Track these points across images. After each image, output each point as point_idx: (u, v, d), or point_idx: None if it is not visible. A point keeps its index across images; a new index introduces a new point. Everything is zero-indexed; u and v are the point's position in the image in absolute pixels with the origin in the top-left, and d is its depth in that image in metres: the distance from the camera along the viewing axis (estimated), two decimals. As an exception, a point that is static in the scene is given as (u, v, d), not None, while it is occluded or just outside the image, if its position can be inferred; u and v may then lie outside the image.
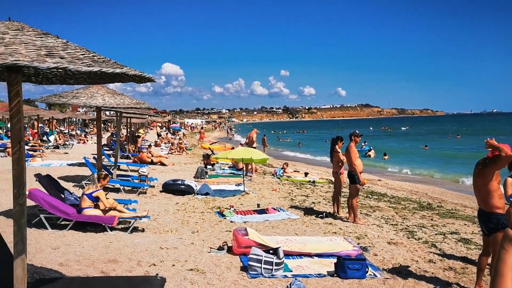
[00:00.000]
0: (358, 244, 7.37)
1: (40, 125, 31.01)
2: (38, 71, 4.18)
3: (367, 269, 5.98)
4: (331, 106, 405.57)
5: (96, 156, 14.39)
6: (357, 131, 9.64)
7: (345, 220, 9.46)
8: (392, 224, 9.30)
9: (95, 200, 7.82)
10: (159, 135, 35.55)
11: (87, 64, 3.12)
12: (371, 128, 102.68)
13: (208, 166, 18.03)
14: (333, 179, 12.70)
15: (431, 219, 10.17)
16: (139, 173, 12.98)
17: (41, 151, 20.26)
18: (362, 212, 10.33)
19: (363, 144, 36.40)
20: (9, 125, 38.52)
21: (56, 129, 35.32)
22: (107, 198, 8.44)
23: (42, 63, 2.89)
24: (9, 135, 27.53)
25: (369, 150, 33.94)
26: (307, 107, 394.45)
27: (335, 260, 6.20)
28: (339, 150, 9.92)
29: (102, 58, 3.43)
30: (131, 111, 15.13)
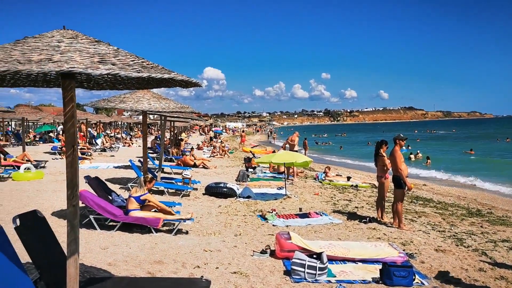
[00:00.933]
0: (403, 250, 7.20)
1: (88, 129, 32.04)
2: (90, 77, 4.33)
3: (414, 277, 5.83)
4: (374, 109, 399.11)
5: (141, 159, 14.73)
6: (401, 134, 9.44)
7: (390, 225, 9.26)
8: (439, 231, 9.03)
9: (142, 203, 8.01)
10: (211, 138, 36.03)
11: (137, 70, 3.20)
12: (415, 131, 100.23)
13: (250, 169, 18.13)
14: (376, 183, 12.47)
15: (481, 226, 9.80)
16: (182, 176, 13.20)
17: (89, 153, 20.95)
18: (407, 217, 10.09)
19: (408, 147, 35.73)
20: (59, 129, 40.08)
21: (103, 133, 36.44)
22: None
23: (95, 70, 2.99)
24: (60, 138, 28.66)
25: (411, 154, 33.20)
26: (348, 110, 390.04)
27: (380, 266, 6.09)
28: (384, 154, 9.73)
29: (151, 64, 3.52)
30: (175, 115, 15.41)
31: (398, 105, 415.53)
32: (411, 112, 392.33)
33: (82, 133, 28.86)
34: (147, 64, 3.43)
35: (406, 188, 9.11)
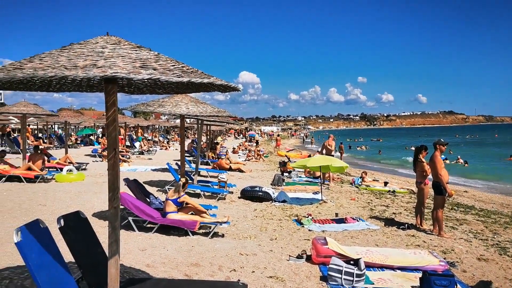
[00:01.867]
0: (444, 259, 7.00)
1: (128, 132, 32.76)
2: (131, 82, 4.43)
3: (455, 286, 5.64)
4: (411, 113, 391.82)
5: (178, 162, 14.93)
6: (442, 139, 9.21)
7: (429, 232, 9.03)
8: (481, 239, 8.73)
9: (180, 205, 8.12)
10: (257, 142, 36.23)
11: (177, 75, 3.25)
12: (456, 135, 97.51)
13: (285, 174, 18.08)
14: (415, 189, 12.18)
15: (526, 235, 9.42)
16: (218, 179, 13.30)
17: (128, 156, 21.40)
18: (447, 225, 9.81)
19: (450, 152, 34.84)
20: (98, 132, 41.17)
21: (142, 136, 37.20)
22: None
23: (137, 75, 3.05)
24: (100, 141, 29.44)
25: (446, 159, 32.34)
26: (385, 114, 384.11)
27: (419, 274, 5.93)
28: (423, 160, 9.51)
29: (191, 69, 3.57)
30: (212, 119, 15.56)
31: (437, 109, 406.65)
32: (451, 117, 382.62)
33: (121, 136, 29.52)
34: (187, 69, 3.48)
35: (447, 195, 8.87)
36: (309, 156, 23.57)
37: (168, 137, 48.46)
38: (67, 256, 4.38)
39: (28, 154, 14.84)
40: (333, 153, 16.61)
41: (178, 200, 8.07)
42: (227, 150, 24.83)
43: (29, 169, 13.24)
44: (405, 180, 20.29)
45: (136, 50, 3.53)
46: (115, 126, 3.74)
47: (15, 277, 5.20)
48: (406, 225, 9.41)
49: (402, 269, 6.47)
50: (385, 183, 16.23)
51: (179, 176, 10.32)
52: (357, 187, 15.83)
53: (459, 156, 34.21)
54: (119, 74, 3.00)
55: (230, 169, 18.75)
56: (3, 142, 27.45)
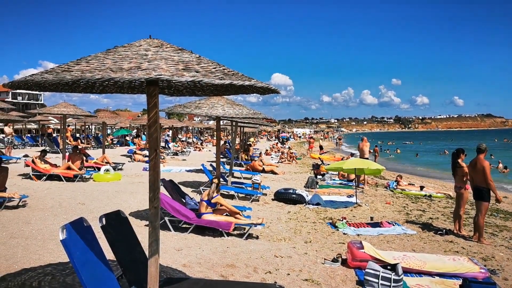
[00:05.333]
0: (485, 266, 6.80)
1: (165, 133, 33.23)
2: (171, 84, 4.50)
3: (497, 295, 5.48)
4: (447, 116, 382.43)
5: (212, 163, 15.04)
6: (484, 144, 9.02)
7: (468, 239, 8.79)
8: (523, 247, 8.44)
9: (213, 206, 8.18)
10: (284, 144, 36.32)
11: (219, 77, 3.28)
12: (495, 140, 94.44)
13: (318, 176, 17.96)
14: (452, 194, 11.87)
15: None
16: (252, 181, 13.34)
17: (162, 157, 21.74)
18: (487, 231, 9.52)
19: (491, 156, 33.91)
20: (133, 132, 41.97)
21: (176, 137, 37.71)
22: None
23: (180, 77, 3.10)
24: (135, 141, 29.99)
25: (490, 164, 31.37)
26: (420, 117, 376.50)
27: (459, 281, 5.79)
28: (463, 164, 9.28)
29: (232, 71, 3.60)
30: (246, 121, 15.62)
31: (475, 112, 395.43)
32: (489, 120, 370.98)
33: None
34: (228, 72, 3.51)
35: (495, 201, 8.65)
36: (343, 158, 23.34)
37: (202, 138, 48.98)
38: (108, 254, 4.49)
39: (67, 154, 15.28)
40: (366, 155, 16.39)
41: (211, 201, 8.13)
42: (261, 152, 24.85)
43: (69, 168, 13.64)
44: (442, 184, 19.81)
45: (178, 53, 3.58)
46: (156, 127, 3.80)
47: (57, 274, 5.36)
48: (444, 230, 9.20)
49: (441, 275, 6.32)
50: (421, 187, 15.89)
51: (213, 177, 10.40)
52: (392, 190, 15.56)
53: (500, 161, 33.17)
54: (163, 76, 3.05)
55: (264, 171, 18.76)
56: (43, 141, 28.36)
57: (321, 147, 38.59)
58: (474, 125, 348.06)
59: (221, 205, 8.23)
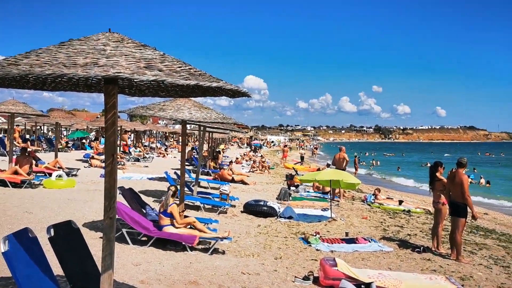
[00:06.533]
0: (462, 286, 6.96)
1: (128, 136, 32.76)
2: (133, 83, 4.46)
3: (475, 316, 5.61)
4: (429, 127, 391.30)
5: (177, 171, 14.94)
6: (465, 158, 9.27)
7: (447, 257, 8.98)
8: (503, 266, 8.67)
9: (172, 217, 8.08)
10: (256, 151, 36.35)
11: (184, 77, 3.27)
12: (478, 153, 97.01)
13: (292, 187, 18.05)
14: (432, 209, 12.12)
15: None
16: (220, 191, 13.31)
17: (122, 163, 21.44)
18: (466, 249, 9.75)
19: (474, 170, 34.80)
20: (91, 135, 41.32)
21: (138, 141, 37.29)
22: (187, 216, 8.73)
23: (142, 76, 3.07)
24: (93, 145, 29.52)
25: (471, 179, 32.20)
26: (401, 127, 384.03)
27: (436, 302, 5.89)
28: (441, 177, 9.51)
29: (198, 71, 3.59)
30: (215, 126, 15.59)
31: (457, 124, 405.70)
32: (472, 132, 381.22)
33: (124, 142, 29.52)
34: (195, 71, 3.50)
35: (471, 218, 8.86)
36: (318, 169, 23.52)
37: (166, 143, 48.59)
38: (56, 268, 4.39)
39: (14, 157, 14.88)
40: (345, 167, 16.55)
41: (167, 211, 8.03)
42: (231, 160, 24.84)
43: (16, 173, 13.27)
44: (422, 199, 20.20)
45: (140, 49, 3.55)
46: (114, 130, 3.76)
47: (-1, 289, 5.20)
48: (422, 247, 9.38)
49: (418, 296, 6.43)
50: (400, 202, 16.17)
51: (179, 186, 10.32)
52: (369, 205, 15.78)
53: (482, 176, 34.08)
54: (123, 74, 3.02)
55: (233, 180, 18.74)
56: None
57: (302, 159, 38.80)
58: (456, 138, 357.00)
59: (173, 214, 8.08)
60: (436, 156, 65.32)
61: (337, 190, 15.87)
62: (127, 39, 3.73)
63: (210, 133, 26.37)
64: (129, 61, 3.26)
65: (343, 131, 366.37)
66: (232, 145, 70.79)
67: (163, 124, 71.75)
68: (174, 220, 8.08)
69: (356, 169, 32.58)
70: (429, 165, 25.40)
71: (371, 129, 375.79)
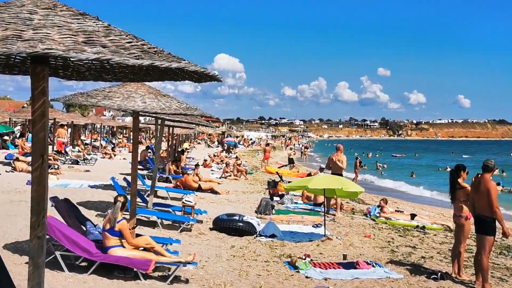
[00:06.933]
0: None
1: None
2: (68, 63, 4.40)
3: None
4: (450, 121, 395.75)
5: (127, 177, 14.86)
6: (492, 159, 9.37)
7: (470, 285, 9.12)
8: (540, 296, 8.86)
9: (119, 235, 8.00)
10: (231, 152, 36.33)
11: (136, 56, 3.24)
12: (511, 154, 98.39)
13: (275, 198, 18.11)
14: (451, 225, 12.30)
15: None
16: (183, 202, 13.27)
17: (56, 167, 21.20)
18: (494, 275, 9.92)
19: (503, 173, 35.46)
20: (16, 130, 40.79)
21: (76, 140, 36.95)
22: (140, 235, 8.68)
23: (80, 53, 3.03)
24: (17, 143, 29.12)
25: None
26: (414, 121, 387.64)
27: None
28: (464, 185, 9.60)
29: (154, 48, 3.56)
30: (177, 119, 15.53)
31: (485, 117, 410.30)
32: (502, 128, 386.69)
33: (62, 139, 29.14)
34: (149, 48, 3.48)
35: (501, 235, 8.99)
36: (309, 174, 23.65)
37: (114, 141, 48.27)
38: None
39: None
40: (343, 172, 16.65)
41: (115, 228, 7.95)
42: (197, 163, 24.77)
43: None
44: (440, 212, 20.47)
45: (78, 19, 3.50)
46: (44, 123, 3.70)
47: None
48: (439, 274, 9.49)
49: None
50: (412, 216, 16.34)
51: (131, 196, 10.27)
52: (373, 219, 15.92)
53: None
54: (55, 51, 2.98)
55: (200, 189, 18.71)
56: None
57: (291, 161, 38.88)
58: (483, 134, 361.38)
59: (123, 233, 8.02)
60: (457, 159, 66.21)
61: (332, 201, 15.97)
62: (60, 5, 3.67)
63: (171, 128, 26.21)
64: (64, 34, 3.21)
65: (340, 126, 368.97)
66: (199, 143, 70.78)
67: (109, 116, 71.36)
68: (123, 240, 8.03)
69: (356, 175, 32.88)
70: (449, 169, 25.73)
71: (376, 124, 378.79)
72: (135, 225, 9.64)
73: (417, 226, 15.22)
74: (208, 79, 3.88)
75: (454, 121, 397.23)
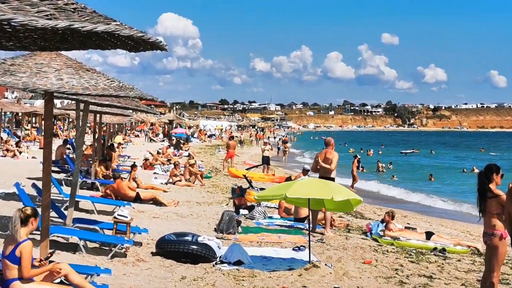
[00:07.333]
0: None
1: None
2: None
3: None
4: (479, 105, 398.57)
5: (37, 182, 14.74)
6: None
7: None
8: None
9: (18, 262, 7.92)
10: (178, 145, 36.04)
11: (47, 15, 3.21)
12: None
13: (242, 211, 18.11)
14: (481, 247, 12.45)
15: None
16: (114, 218, 13.18)
17: None
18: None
19: None
20: None
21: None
22: (51, 261, 8.60)
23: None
24: None
25: None
26: (431, 106, 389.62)
27: None
28: (498, 192, 9.67)
29: (72, 4, 3.53)
30: (107, 102, 15.42)
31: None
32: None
33: None
34: (66, 5, 3.45)
35: None
36: (289, 178, 23.69)
37: (19, 133, 47.83)
38: None
39: None
40: (334, 175, 16.70)
41: (15, 252, 7.87)
42: (134, 163, 24.67)
43: None
44: (465, 229, 20.69)
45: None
46: None
47: None
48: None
49: None
50: (429, 235, 16.46)
51: (41, 208, 10.19)
52: (375, 239, 16.01)
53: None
54: None
55: (138, 198, 18.64)
56: None
57: (264, 161, 38.54)
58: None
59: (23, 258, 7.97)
60: (488, 157, 66.88)
61: (320, 215, 16.02)
62: None
63: (97, 115, 25.98)
64: None
65: (331, 113, 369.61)
66: (137, 136, 70.50)
67: (12, 98, 70.59)
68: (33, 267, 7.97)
69: (355, 179, 33.01)
70: (477, 171, 25.93)
71: (379, 109, 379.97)
72: (51, 252, 9.42)
73: (435, 249, 15.35)
74: (149, 48, 3.88)
75: (485, 106, 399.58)
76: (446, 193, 36.77)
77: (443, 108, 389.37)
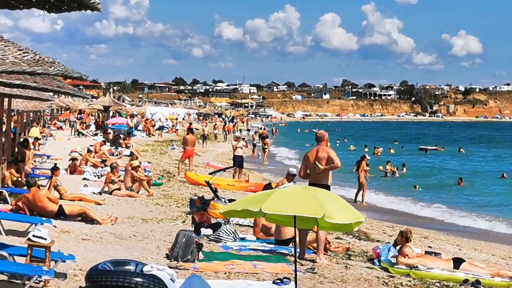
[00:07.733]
0: None
1: None
2: None
3: None
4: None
5: None
6: None
7: None
8: None
9: None
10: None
11: None
12: None
13: (205, 230, 18.13)
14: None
15: None
16: (29, 240, 13.16)
17: None
18: None
19: None
20: None
21: None
22: None
23: None
24: None
25: None
26: (461, 88, 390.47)
27: None
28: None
29: None
30: (19, 81, 15.40)
31: None
32: None
33: None
34: None
35: None
36: (268, 185, 23.69)
37: None
38: None
39: None
40: (329, 182, 16.68)
41: None
42: (56, 166, 24.64)
43: None
44: (507, 254, 20.81)
45: None
46: None
47: None
48: None
49: None
50: (457, 262, 16.57)
51: None
52: (385, 268, 16.08)
53: None
54: None
55: (61, 213, 18.62)
56: None
57: (237, 162, 38.33)
58: None
59: None
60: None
61: (310, 236, 16.07)
62: None
63: (5, 100, 25.94)
64: None
65: (326, 96, 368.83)
66: (60, 128, 70.35)
67: None
68: None
69: (363, 187, 33.00)
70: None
71: (390, 92, 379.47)
72: None
73: (466, 281, 15.45)
74: (75, 7, 3.87)
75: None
76: (480, 205, 36.92)
77: (477, 90, 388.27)
